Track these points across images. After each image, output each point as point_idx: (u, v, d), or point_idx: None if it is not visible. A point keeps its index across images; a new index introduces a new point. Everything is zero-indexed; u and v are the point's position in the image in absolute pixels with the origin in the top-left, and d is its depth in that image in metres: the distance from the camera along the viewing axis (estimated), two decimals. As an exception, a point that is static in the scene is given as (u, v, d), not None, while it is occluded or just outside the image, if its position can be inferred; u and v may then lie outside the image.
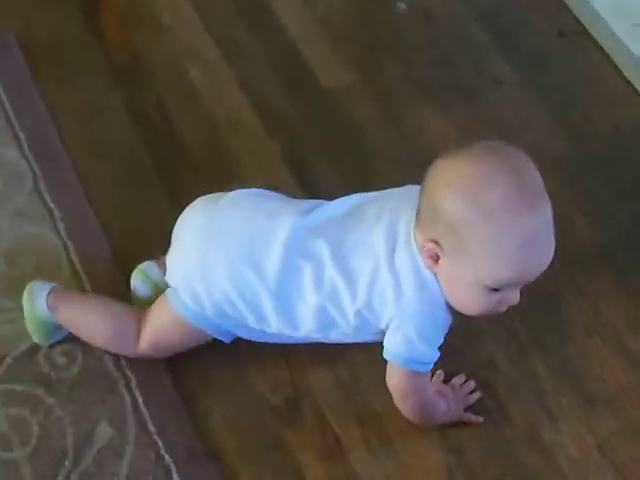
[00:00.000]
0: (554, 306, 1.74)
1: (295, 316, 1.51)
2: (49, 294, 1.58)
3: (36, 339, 1.61)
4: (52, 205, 1.78)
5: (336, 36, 2.10)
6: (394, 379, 1.51)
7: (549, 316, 1.72)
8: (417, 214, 1.44)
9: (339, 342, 1.57)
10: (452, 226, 1.37)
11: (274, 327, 1.53)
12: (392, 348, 1.48)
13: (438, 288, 1.45)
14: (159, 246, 1.63)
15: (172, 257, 1.56)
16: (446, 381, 1.62)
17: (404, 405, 1.54)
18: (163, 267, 1.61)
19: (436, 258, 1.42)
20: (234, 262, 1.49)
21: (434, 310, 1.46)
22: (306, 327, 1.52)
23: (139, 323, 1.57)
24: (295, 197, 1.73)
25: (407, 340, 1.46)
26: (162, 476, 1.50)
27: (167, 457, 1.52)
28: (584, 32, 2.16)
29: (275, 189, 1.76)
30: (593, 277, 1.78)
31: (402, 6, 2.17)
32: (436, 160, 1.42)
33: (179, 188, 1.82)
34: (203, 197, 1.59)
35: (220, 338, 1.57)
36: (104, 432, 1.54)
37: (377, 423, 1.58)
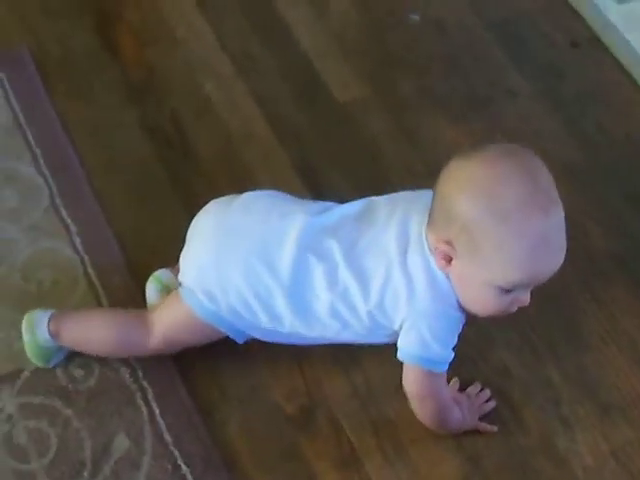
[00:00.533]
0: (567, 314, 1.74)
1: (308, 314, 1.51)
2: (49, 322, 1.58)
3: (38, 363, 1.61)
4: (68, 220, 1.79)
5: (349, 49, 2.11)
6: (410, 380, 1.51)
7: (562, 324, 1.72)
8: (430, 215, 1.44)
9: (352, 343, 1.57)
10: (466, 228, 1.38)
11: (288, 326, 1.53)
12: (406, 348, 1.49)
13: (450, 288, 1.46)
14: (175, 258, 1.62)
15: (186, 257, 1.57)
16: (461, 390, 1.62)
17: (420, 408, 1.54)
18: (177, 274, 1.62)
19: (449, 259, 1.42)
20: (248, 261, 1.50)
21: (447, 309, 1.47)
22: (319, 326, 1.52)
23: (145, 321, 1.57)
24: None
25: (421, 340, 1.47)
26: (179, 486, 1.51)
27: (184, 467, 1.53)
28: (597, 42, 2.16)
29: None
30: (608, 285, 1.78)
31: (415, 18, 2.18)
32: (449, 162, 1.43)
33: (193, 200, 1.82)
34: (216, 200, 1.60)
35: (234, 337, 1.57)
36: (121, 443, 1.55)
37: (392, 432, 1.59)
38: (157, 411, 1.58)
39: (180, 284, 1.57)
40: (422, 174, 1.88)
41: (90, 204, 1.82)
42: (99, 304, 1.69)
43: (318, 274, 1.49)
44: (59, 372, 1.61)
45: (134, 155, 1.92)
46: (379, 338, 1.55)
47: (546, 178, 1.41)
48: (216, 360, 1.60)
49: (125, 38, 2.10)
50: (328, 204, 1.58)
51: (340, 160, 1.92)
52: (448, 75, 2.09)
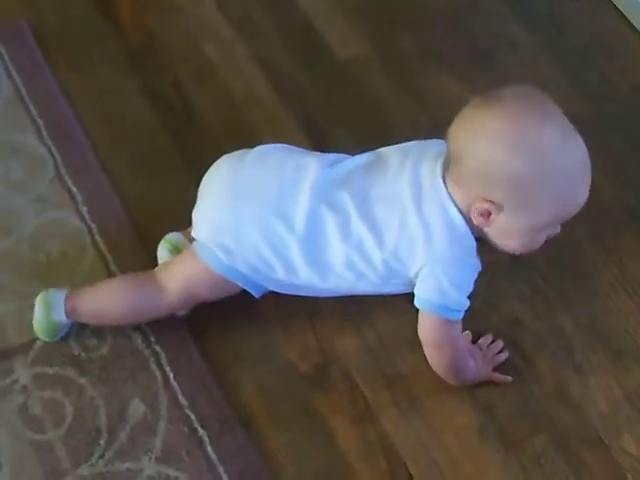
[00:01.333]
0: (577, 264, 1.74)
1: (324, 266, 1.52)
2: (65, 301, 1.58)
3: (45, 339, 1.61)
4: (74, 189, 1.78)
5: (349, 8, 2.10)
6: (426, 328, 1.52)
7: (572, 274, 1.73)
8: (453, 172, 1.45)
9: (367, 294, 1.58)
10: (513, 184, 1.41)
11: (303, 278, 1.53)
12: (423, 295, 1.49)
13: (468, 234, 1.47)
14: (183, 222, 1.63)
15: (199, 212, 1.57)
16: (474, 342, 1.62)
17: (436, 357, 1.55)
18: (188, 237, 1.62)
19: (488, 215, 1.44)
20: (263, 214, 1.50)
21: (464, 256, 1.48)
22: (334, 277, 1.53)
23: (157, 281, 1.57)
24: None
25: (438, 287, 1.47)
26: (196, 449, 1.51)
27: (200, 430, 1.53)
28: (600, -7, 2.16)
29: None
30: (616, 234, 1.78)
31: (415, -24, 2.17)
32: (464, 116, 1.44)
33: (199, 164, 1.81)
34: (228, 155, 1.61)
35: (251, 291, 1.57)
36: (136, 409, 1.55)
37: (406, 385, 1.59)
38: (171, 375, 1.58)
39: (193, 240, 1.57)
40: (426, 129, 1.88)
41: (95, 173, 1.82)
42: (108, 271, 1.69)
43: (331, 225, 1.49)
44: (72, 341, 1.61)
45: (137, 122, 1.91)
46: (395, 287, 1.55)
47: (560, 112, 1.44)
48: (228, 321, 1.61)
49: (123, 5, 2.10)
50: (339, 156, 1.58)
51: (344, 118, 1.92)
52: (449, 30, 2.08)
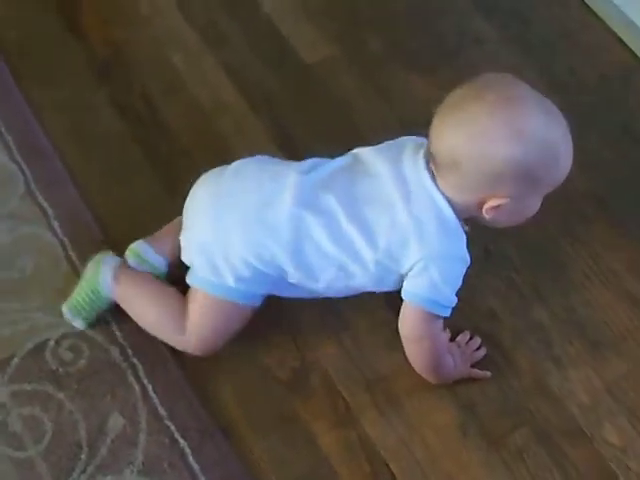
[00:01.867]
0: (551, 256, 1.74)
1: (315, 270, 1.52)
2: (116, 266, 1.59)
3: (75, 316, 1.61)
4: (45, 204, 1.77)
5: (313, 10, 2.10)
6: (409, 322, 1.52)
7: (546, 266, 1.73)
8: (448, 177, 1.46)
9: (360, 291, 1.58)
10: (521, 173, 1.43)
11: (295, 280, 1.54)
12: (414, 290, 1.50)
13: (459, 225, 1.49)
14: (155, 232, 1.64)
15: (185, 234, 1.57)
16: (452, 339, 1.62)
17: (416, 352, 1.55)
18: (155, 243, 1.62)
19: (498, 206, 1.46)
20: (246, 226, 1.50)
21: (457, 250, 1.49)
22: (326, 279, 1.53)
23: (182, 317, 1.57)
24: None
25: (431, 283, 1.48)
26: (178, 460, 1.51)
27: (181, 440, 1.53)
28: (563, -16, 2.16)
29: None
30: (589, 225, 1.78)
31: (379, -24, 2.17)
32: (448, 121, 1.44)
33: (170, 175, 1.83)
34: (206, 173, 1.60)
35: (249, 304, 1.57)
36: (116, 422, 1.55)
37: (385, 386, 1.59)
38: (149, 387, 1.57)
39: (190, 274, 1.57)
40: (397, 129, 1.86)
41: (66, 187, 1.81)
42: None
43: (319, 229, 1.49)
44: (48, 356, 1.60)
45: (107, 134, 1.90)
46: (387, 285, 1.55)
47: (529, 88, 1.50)
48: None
49: (88, 17, 2.08)
50: (316, 160, 1.58)
51: (314, 122, 1.91)
52: (415, 29, 2.08)
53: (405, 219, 1.47)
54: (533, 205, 1.50)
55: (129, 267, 1.61)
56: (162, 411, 1.55)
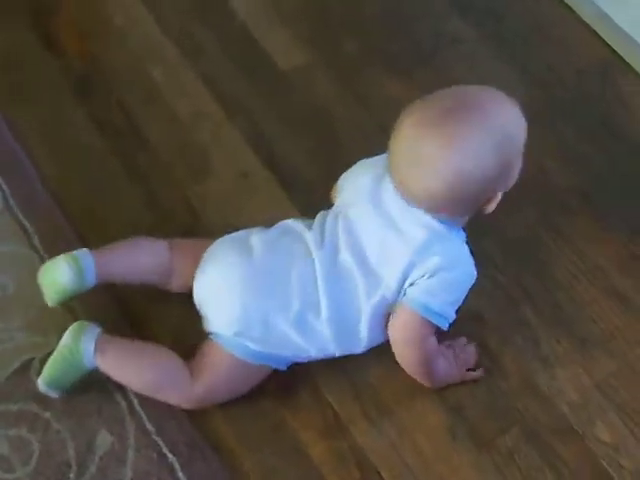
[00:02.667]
0: (535, 254, 1.74)
1: (353, 337, 1.54)
2: (98, 337, 1.54)
3: (55, 390, 1.56)
4: (25, 221, 1.76)
5: (288, 16, 2.09)
6: (401, 323, 1.52)
7: (531, 264, 1.73)
8: (436, 203, 1.47)
9: None
10: (504, 173, 1.47)
11: (332, 350, 1.55)
12: (412, 295, 1.50)
13: (453, 233, 1.51)
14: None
15: (221, 308, 1.54)
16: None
17: (406, 355, 1.55)
18: (97, 258, 1.58)
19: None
20: (289, 306, 1.50)
21: (467, 267, 1.51)
22: (364, 341, 1.55)
23: (189, 369, 1.54)
24: (268, 181, 1.80)
25: (429, 290, 1.49)
26: (167, 475, 1.50)
27: (170, 456, 1.51)
28: (537, -20, 2.16)
29: (244, 175, 1.81)
30: (572, 220, 1.78)
31: (353, -22, 2.16)
32: (423, 153, 1.44)
33: (151, 188, 1.82)
34: (227, 243, 1.59)
35: (280, 367, 1.57)
36: (104, 440, 1.53)
37: (373, 394, 1.58)
38: (135, 401, 1.56)
39: (214, 333, 1.55)
40: (374, 134, 1.87)
41: (45, 202, 1.80)
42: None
43: (352, 295, 1.51)
44: (33, 376, 1.58)
45: (86, 148, 1.89)
46: None
47: (479, 89, 1.52)
48: (191, 345, 1.58)
49: (64, 32, 2.07)
50: (320, 220, 1.58)
51: (292, 129, 1.90)
52: (392, 31, 2.07)
53: (419, 263, 1.48)
54: (516, 171, 1.52)
55: (108, 335, 1.56)
56: (150, 426, 1.54)
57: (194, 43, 2.05)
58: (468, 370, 1.60)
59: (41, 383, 1.55)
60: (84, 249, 1.59)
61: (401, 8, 2.11)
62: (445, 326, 1.52)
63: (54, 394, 1.56)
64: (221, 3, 2.11)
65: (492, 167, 1.44)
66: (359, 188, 1.56)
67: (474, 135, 1.43)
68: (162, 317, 1.66)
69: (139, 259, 1.62)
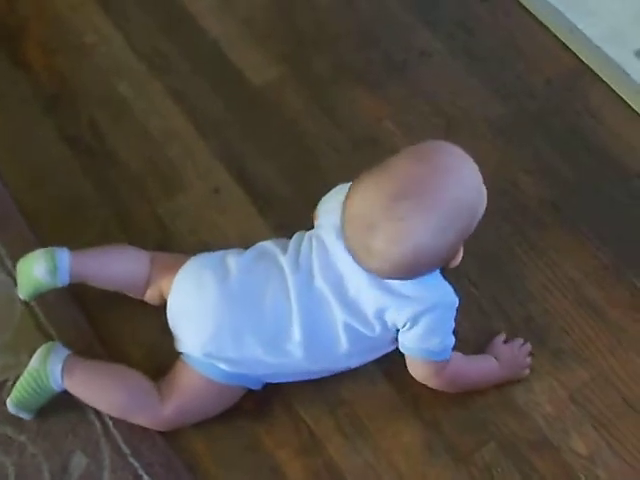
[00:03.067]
0: (508, 268, 1.74)
1: (328, 357, 1.54)
2: (66, 359, 1.53)
3: (24, 412, 1.55)
4: (-4, 243, 1.76)
5: (259, 33, 2.09)
6: (412, 368, 1.55)
7: (504, 278, 1.73)
8: (409, 272, 1.46)
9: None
10: (467, 231, 1.46)
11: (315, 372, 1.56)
12: (407, 344, 1.52)
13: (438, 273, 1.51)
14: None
15: (192, 329, 1.53)
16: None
17: (435, 384, 1.56)
18: (74, 257, 1.58)
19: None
20: (262, 329, 1.50)
21: (442, 299, 1.51)
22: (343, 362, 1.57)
23: (158, 391, 1.54)
24: (240, 197, 1.80)
25: (419, 336, 1.50)
26: (143, 496, 1.50)
27: (145, 477, 1.51)
28: (505, -7, 2.17)
29: (216, 191, 1.81)
30: (544, 233, 1.78)
31: (321, -6, 2.16)
32: (390, 226, 1.41)
33: (122, 206, 1.81)
34: (201, 263, 1.58)
35: (253, 387, 1.57)
36: (79, 462, 1.53)
37: (348, 410, 1.58)
38: (110, 423, 1.55)
39: (185, 354, 1.55)
40: (347, 149, 1.88)
41: (17, 223, 1.79)
42: (39, 324, 1.66)
43: (328, 320, 1.50)
44: (6, 398, 1.57)
45: (56, 167, 1.88)
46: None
47: (440, 147, 1.50)
48: (165, 365, 1.58)
49: (32, 50, 2.06)
50: (295, 242, 1.57)
51: (263, 145, 1.90)
52: (362, 46, 2.07)
53: (389, 298, 1.48)
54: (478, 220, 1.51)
55: (76, 356, 1.55)
56: (125, 448, 1.53)
57: (164, 60, 2.04)
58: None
59: (10, 405, 1.54)
60: (63, 248, 1.60)
61: (371, 22, 2.11)
62: (448, 355, 1.53)
63: (25, 416, 1.55)
64: (191, 21, 2.11)
65: (449, 241, 1.43)
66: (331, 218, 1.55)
67: (426, 223, 1.40)
68: (134, 335, 1.65)
69: (117, 265, 1.62)
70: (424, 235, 1.41)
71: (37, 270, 1.57)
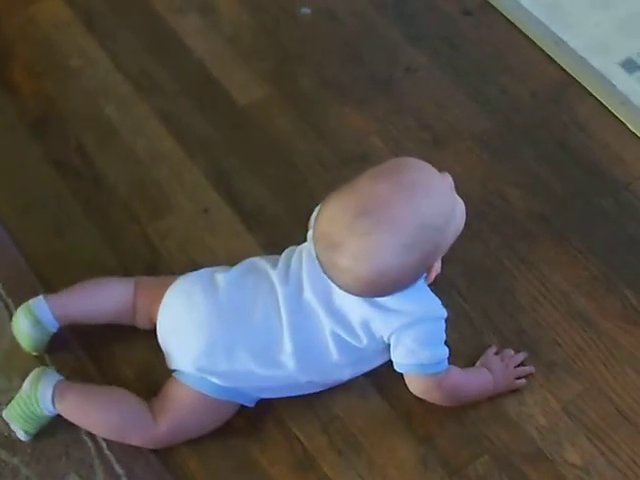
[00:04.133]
0: (498, 280, 1.74)
1: (319, 368, 1.54)
2: (57, 383, 1.53)
3: (20, 430, 1.55)
4: (-13, 269, 1.75)
5: (245, 52, 2.09)
6: (410, 384, 1.55)
7: (494, 291, 1.73)
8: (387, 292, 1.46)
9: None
10: (441, 248, 1.46)
11: (304, 382, 1.55)
12: (399, 360, 1.52)
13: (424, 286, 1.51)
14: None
15: (184, 343, 1.53)
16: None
17: (433, 398, 1.56)
18: (55, 302, 1.59)
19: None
20: (253, 341, 1.50)
21: (435, 311, 1.51)
22: (334, 374, 1.56)
23: (151, 409, 1.53)
24: (229, 216, 1.80)
25: (409, 351, 1.50)
26: (137, 517, 1.49)
27: (140, 497, 1.51)
28: (489, 7, 2.17)
29: (205, 211, 1.81)
30: (533, 245, 1.78)
31: (306, 11, 2.17)
32: (365, 250, 1.41)
33: (112, 229, 1.81)
34: (190, 280, 1.59)
35: (247, 404, 1.57)
36: (74, 484, 1.52)
37: (341, 426, 1.58)
38: (104, 445, 1.55)
39: (178, 371, 1.55)
40: (335, 166, 1.88)
41: (7, 248, 1.79)
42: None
43: (317, 332, 1.50)
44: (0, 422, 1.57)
45: (45, 192, 1.88)
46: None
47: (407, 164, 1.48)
48: (157, 384, 1.57)
49: (19, 74, 2.06)
50: (285, 258, 1.57)
51: (252, 164, 1.90)
52: (347, 63, 2.08)
53: (373, 310, 1.48)
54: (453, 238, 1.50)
55: (67, 382, 1.55)
56: (119, 469, 1.52)
57: (151, 81, 2.04)
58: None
59: (7, 419, 1.55)
60: (39, 297, 1.61)
61: (355, 39, 2.12)
62: (444, 366, 1.52)
63: (21, 436, 1.55)
64: (177, 41, 2.11)
65: (416, 257, 1.42)
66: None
67: (390, 238, 1.40)
68: (126, 354, 1.65)
69: (98, 300, 1.62)
70: (387, 252, 1.40)
71: (23, 326, 1.59)
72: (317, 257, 1.46)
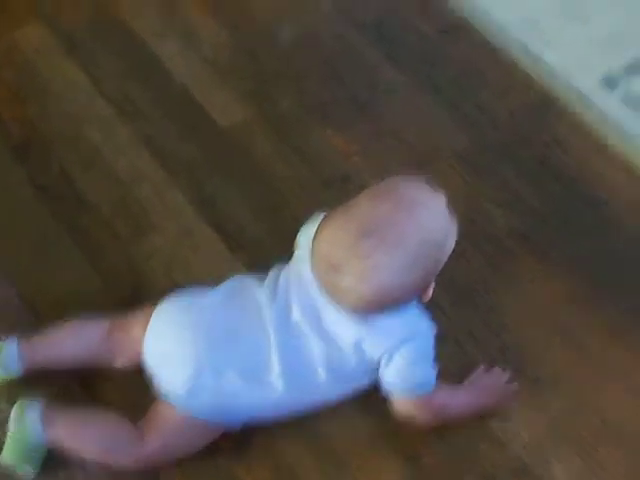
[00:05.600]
0: (481, 298, 1.75)
1: (315, 389, 1.54)
2: (43, 411, 1.53)
3: (20, 464, 1.53)
4: (-30, 295, 1.75)
5: (225, 74, 2.10)
6: (398, 407, 1.54)
7: (478, 309, 1.73)
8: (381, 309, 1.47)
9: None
10: (436, 269, 1.48)
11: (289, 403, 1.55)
12: (388, 380, 1.52)
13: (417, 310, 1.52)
14: (83, 310, 1.64)
15: (172, 365, 1.53)
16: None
17: (421, 421, 1.55)
18: (24, 346, 1.60)
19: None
20: (242, 362, 1.51)
21: (426, 329, 1.52)
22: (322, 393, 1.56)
23: (138, 430, 1.53)
24: (212, 238, 1.80)
25: (398, 371, 1.50)
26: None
27: (127, 521, 1.50)
28: (467, 26, 2.18)
29: (188, 232, 1.81)
30: (515, 262, 1.79)
31: (285, 32, 2.17)
32: (362, 268, 1.43)
33: (96, 252, 1.81)
34: (178, 303, 1.59)
35: (233, 426, 1.56)
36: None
37: (328, 448, 1.58)
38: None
39: (165, 394, 1.54)
40: (316, 188, 1.88)
41: (-10, 273, 1.79)
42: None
43: (307, 353, 1.50)
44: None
45: (28, 216, 1.88)
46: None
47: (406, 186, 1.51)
48: (143, 404, 1.56)
49: (1, 99, 2.06)
50: (272, 277, 1.58)
51: (233, 187, 1.91)
52: (327, 84, 2.09)
53: (365, 331, 1.49)
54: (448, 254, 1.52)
55: (52, 406, 1.55)
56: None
57: (132, 104, 2.05)
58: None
59: (7, 461, 1.53)
60: (14, 338, 1.61)
61: (334, 61, 2.13)
62: (432, 385, 1.53)
63: (29, 470, 1.54)
64: (157, 64, 2.12)
65: (418, 275, 1.45)
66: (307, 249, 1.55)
67: (392, 259, 1.42)
68: (112, 375, 1.64)
69: (69, 347, 1.62)
70: (391, 271, 1.42)
71: None
72: (317, 279, 1.47)
